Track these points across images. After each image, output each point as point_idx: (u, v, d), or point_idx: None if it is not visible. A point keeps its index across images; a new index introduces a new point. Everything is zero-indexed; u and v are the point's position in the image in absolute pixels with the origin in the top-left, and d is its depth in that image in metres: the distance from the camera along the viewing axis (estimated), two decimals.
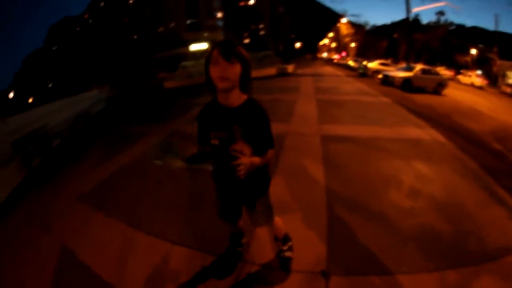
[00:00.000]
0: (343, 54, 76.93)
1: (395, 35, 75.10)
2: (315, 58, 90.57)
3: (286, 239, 2.83)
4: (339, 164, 5.09)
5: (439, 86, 19.22)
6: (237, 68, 1.88)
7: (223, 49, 1.85)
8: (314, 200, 3.92)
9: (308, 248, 3.02)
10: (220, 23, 65.69)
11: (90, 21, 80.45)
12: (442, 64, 59.62)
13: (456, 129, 7.93)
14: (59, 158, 6.88)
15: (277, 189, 2.43)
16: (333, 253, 2.92)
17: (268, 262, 2.89)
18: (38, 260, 3.31)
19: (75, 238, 3.58)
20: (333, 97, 12.58)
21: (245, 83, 1.98)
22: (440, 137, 6.67)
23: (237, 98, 2.03)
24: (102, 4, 77.11)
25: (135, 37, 65.27)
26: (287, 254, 2.83)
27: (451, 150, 5.92)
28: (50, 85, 77.69)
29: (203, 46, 45.54)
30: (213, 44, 1.92)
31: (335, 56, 73.88)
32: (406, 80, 18.16)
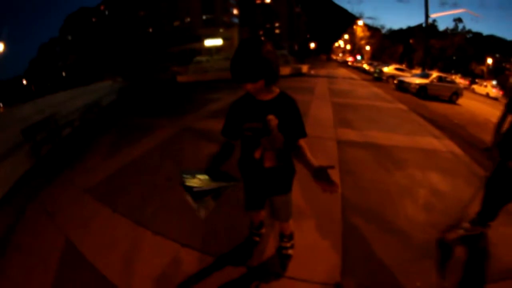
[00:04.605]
0: (358, 56, 76.46)
1: (411, 40, 74.54)
2: (330, 59, 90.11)
3: (291, 236, 2.92)
4: (355, 171, 5.08)
5: (454, 95, 19.08)
6: (260, 83, 1.91)
7: (239, 75, 1.87)
8: (330, 207, 3.91)
9: (323, 257, 3.02)
10: (235, 20, 65.80)
11: (106, 12, 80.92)
12: (457, 72, 59.10)
13: (472, 142, 7.82)
14: (69, 148, 6.94)
15: (293, 193, 2.48)
16: (347, 265, 2.91)
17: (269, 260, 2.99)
18: (41, 251, 3.32)
19: (80, 233, 3.57)
20: (349, 101, 12.56)
21: (273, 79, 1.96)
22: (456, 149, 6.60)
23: (270, 92, 2.10)
24: None
25: (150, 30, 65.51)
26: (290, 251, 2.94)
27: (468, 163, 5.83)
28: (63, 74, 78.34)
29: (218, 42, 45.48)
30: (238, 45, 1.88)
31: (349, 59, 73.30)
32: (422, 87, 18.04)
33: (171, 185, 4.60)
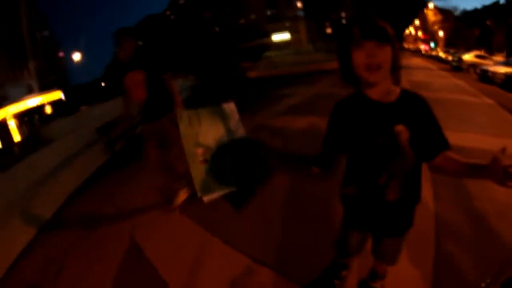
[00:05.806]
0: (431, 44, 72.28)
1: (488, 22, 68.85)
2: (402, 48, 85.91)
3: (384, 276, 2.34)
4: (448, 184, 4.29)
5: None
6: (387, 51, 1.41)
7: (368, 26, 1.41)
8: (421, 226, 3.15)
9: None
10: (300, 13, 65.50)
11: (172, 17, 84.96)
12: None
13: None
14: (141, 145, 7.35)
15: None
16: None
17: None
18: (105, 249, 3.47)
19: (146, 232, 3.62)
20: (430, 94, 11.67)
21: (397, 69, 1.49)
22: None
23: (390, 90, 1.54)
24: (182, 1, 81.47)
25: (217, 29, 67.53)
26: None
27: None
28: None
29: (285, 36, 45.89)
30: (350, 21, 1.50)
31: (423, 47, 69.40)
32: (509, 77, 15.85)
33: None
